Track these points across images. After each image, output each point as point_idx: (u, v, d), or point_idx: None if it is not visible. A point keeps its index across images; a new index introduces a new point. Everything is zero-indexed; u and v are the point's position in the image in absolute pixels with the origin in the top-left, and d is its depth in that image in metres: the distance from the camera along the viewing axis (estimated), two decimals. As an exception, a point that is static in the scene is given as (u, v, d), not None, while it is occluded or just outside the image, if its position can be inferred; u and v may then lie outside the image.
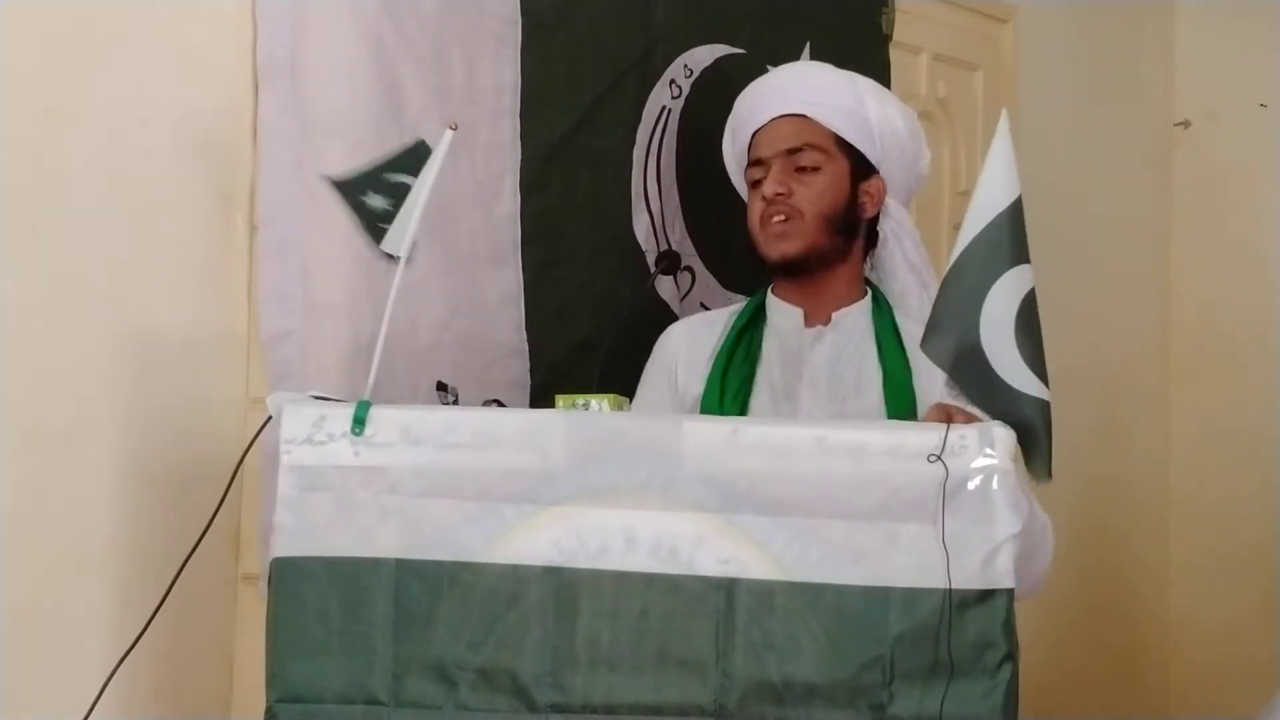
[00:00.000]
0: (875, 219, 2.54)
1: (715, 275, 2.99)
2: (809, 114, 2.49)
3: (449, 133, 2.10)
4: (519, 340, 2.72)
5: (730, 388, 2.39)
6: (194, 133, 2.48)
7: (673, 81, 2.97)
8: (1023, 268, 1.96)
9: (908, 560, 1.91)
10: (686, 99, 2.99)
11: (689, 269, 2.92)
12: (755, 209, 2.49)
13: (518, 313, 2.73)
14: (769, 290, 2.54)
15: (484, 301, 2.67)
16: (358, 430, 1.97)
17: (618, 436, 1.96)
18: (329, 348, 2.44)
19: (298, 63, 2.49)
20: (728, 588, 1.92)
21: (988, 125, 3.83)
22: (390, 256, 2.26)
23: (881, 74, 3.50)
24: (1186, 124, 4.60)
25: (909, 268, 2.56)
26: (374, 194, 2.44)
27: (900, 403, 2.38)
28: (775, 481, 1.93)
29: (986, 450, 1.92)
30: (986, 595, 1.90)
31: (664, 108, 2.96)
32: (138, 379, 2.40)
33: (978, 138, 3.84)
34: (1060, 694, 3.89)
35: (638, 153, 2.92)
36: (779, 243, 2.45)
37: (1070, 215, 4.12)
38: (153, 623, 2.07)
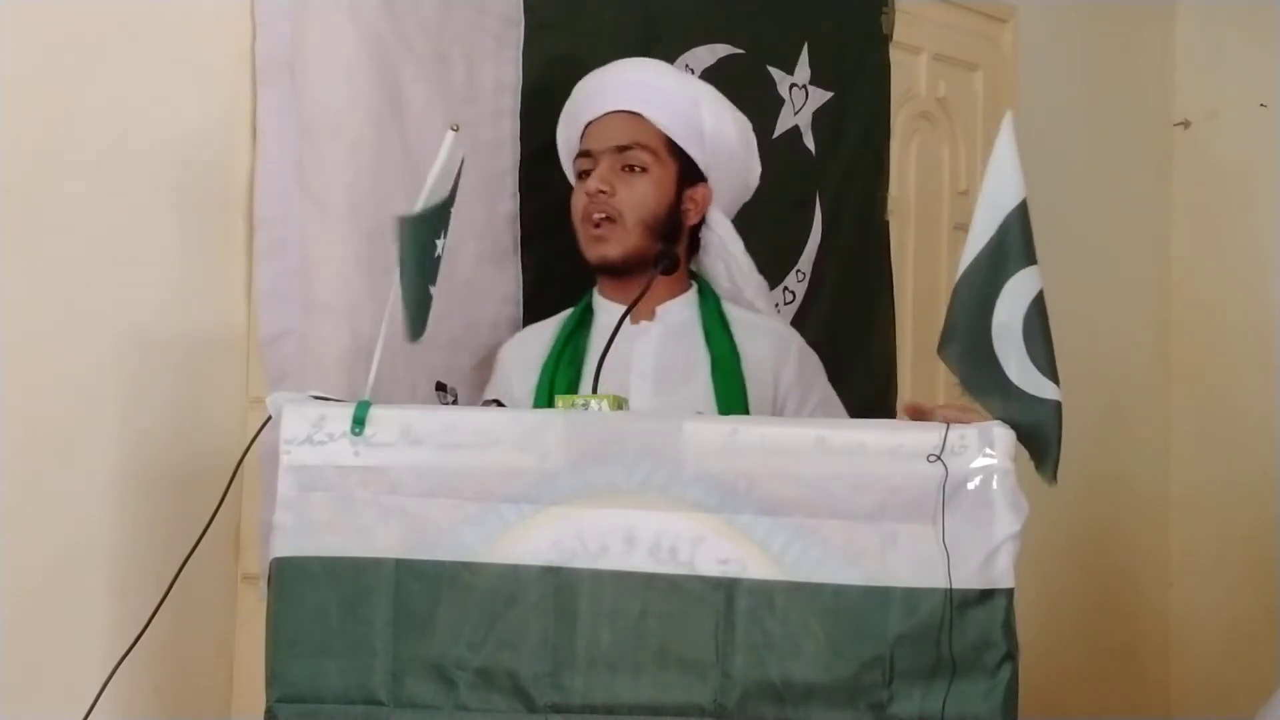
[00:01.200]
0: (699, 225, 2.54)
1: (713, 275, 2.99)
2: (643, 112, 2.48)
3: (450, 134, 2.10)
4: (518, 340, 2.72)
5: (559, 391, 2.37)
6: (193, 133, 2.48)
7: (673, 81, 2.97)
8: (1031, 269, 1.95)
9: (908, 560, 1.91)
10: (687, 99, 2.98)
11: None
12: (579, 202, 2.49)
13: (517, 312, 2.73)
14: (594, 290, 2.54)
15: (484, 301, 2.67)
16: (358, 430, 1.97)
17: (617, 436, 1.96)
18: (328, 348, 2.44)
19: (297, 63, 2.49)
20: (727, 588, 1.92)
21: (987, 125, 3.85)
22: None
23: (881, 74, 3.51)
24: (1186, 124, 4.60)
25: (730, 281, 2.56)
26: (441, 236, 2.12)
27: (730, 388, 2.40)
28: (775, 481, 1.93)
29: (986, 450, 1.92)
30: (986, 595, 1.90)
31: (664, 108, 2.95)
32: (137, 379, 2.40)
33: (977, 138, 3.84)
34: (1061, 694, 3.90)
35: (638, 153, 2.92)
36: (599, 245, 2.46)
37: (1070, 215, 4.12)
38: (153, 623, 2.07)
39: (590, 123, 2.52)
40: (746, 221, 2.66)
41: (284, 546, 1.96)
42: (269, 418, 2.01)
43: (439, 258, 2.08)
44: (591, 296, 2.54)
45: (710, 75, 3.01)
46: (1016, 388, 1.93)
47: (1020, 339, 1.93)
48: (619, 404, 2.06)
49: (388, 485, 1.96)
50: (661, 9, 2.97)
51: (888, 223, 3.53)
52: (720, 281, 2.57)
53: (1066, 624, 4.06)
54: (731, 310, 2.51)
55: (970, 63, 3.90)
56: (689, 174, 2.50)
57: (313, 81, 2.48)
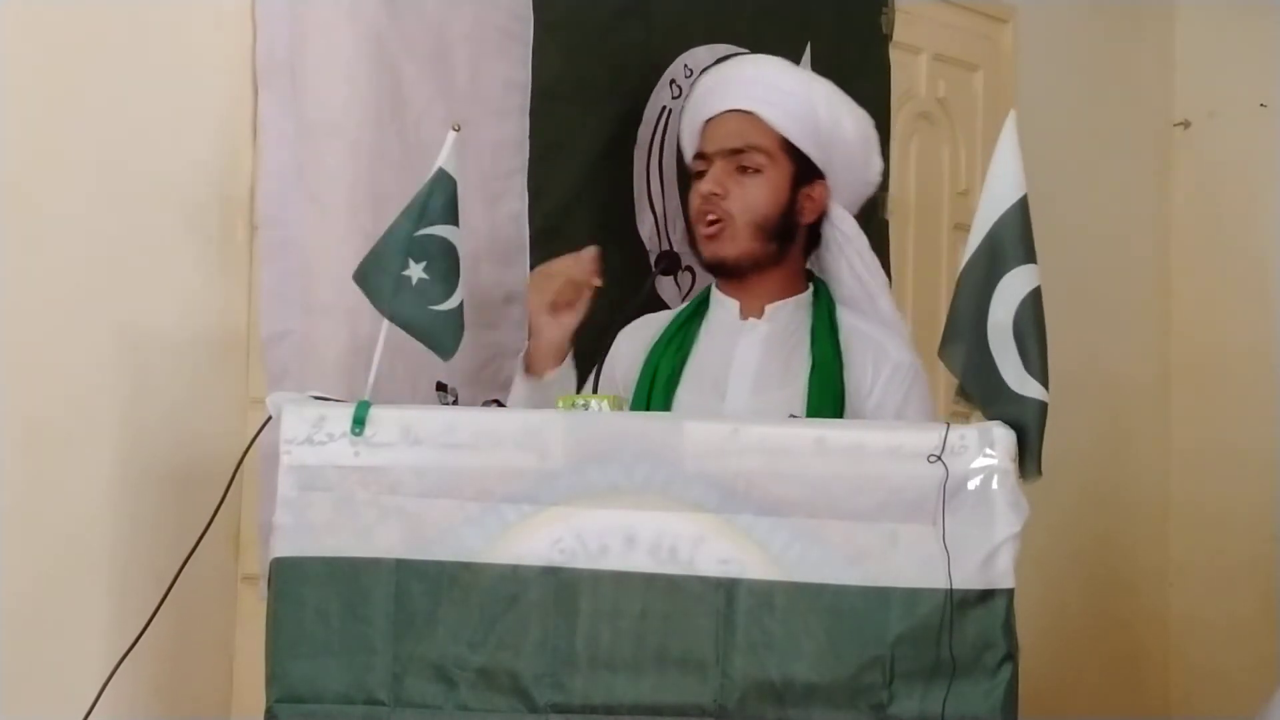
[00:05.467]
0: (817, 223, 2.54)
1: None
2: (758, 112, 2.48)
3: (452, 134, 2.10)
4: (519, 340, 2.72)
5: (660, 379, 2.40)
6: (194, 133, 2.48)
7: (673, 81, 2.97)
8: (1027, 267, 1.95)
9: (908, 560, 1.91)
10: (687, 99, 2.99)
11: (689, 269, 2.92)
12: (694, 203, 2.50)
13: (521, 312, 2.73)
14: (713, 285, 2.55)
15: (488, 300, 2.67)
16: (358, 430, 1.97)
17: (618, 436, 1.96)
18: (328, 348, 2.44)
19: (297, 63, 2.49)
20: (728, 588, 1.92)
21: (987, 125, 3.85)
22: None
23: (881, 74, 3.50)
24: (1186, 124, 4.59)
25: (854, 276, 2.54)
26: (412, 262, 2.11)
27: (825, 393, 2.38)
28: (775, 481, 1.93)
29: (986, 450, 1.92)
30: (986, 595, 1.90)
31: (664, 108, 2.96)
32: (138, 379, 2.40)
33: (977, 138, 3.84)
34: (1061, 695, 3.89)
35: (639, 153, 2.92)
36: (711, 245, 2.46)
37: (1070, 215, 4.12)
38: (153, 623, 2.07)
39: (708, 121, 2.53)
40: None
41: (284, 546, 1.97)
42: (269, 418, 2.01)
43: (433, 237, 2.09)
44: (710, 290, 2.54)
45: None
46: (1005, 385, 1.93)
47: (1011, 337, 1.93)
48: (619, 404, 2.06)
49: (388, 485, 1.96)
50: (663, 8, 2.96)
51: (887, 222, 3.52)
52: (843, 278, 2.54)
53: (1068, 627, 4.05)
54: (846, 316, 2.48)
55: (970, 63, 3.90)
56: (805, 172, 2.49)
57: (313, 82, 2.48)
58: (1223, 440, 4.47)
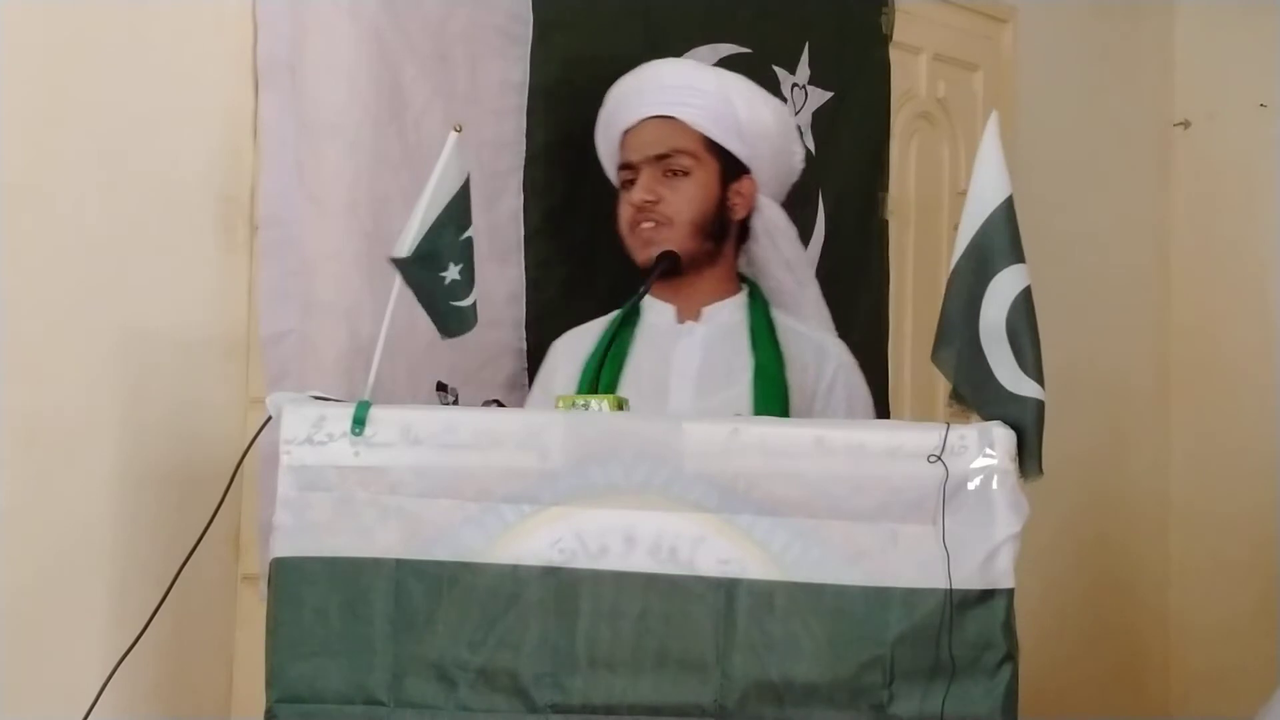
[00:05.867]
0: (747, 217, 2.54)
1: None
2: (678, 115, 2.48)
3: (453, 135, 2.10)
4: (518, 340, 2.72)
5: (600, 389, 2.37)
6: (194, 133, 2.48)
7: (673, 81, 2.97)
8: (1016, 267, 1.95)
9: (908, 560, 1.91)
10: (687, 99, 2.98)
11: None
12: (624, 214, 2.50)
13: (519, 312, 2.73)
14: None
15: (487, 300, 2.67)
16: (358, 430, 1.97)
17: (618, 436, 1.96)
18: (328, 348, 2.44)
19: (298, 63, 2.49)
20: (728, 588, 1.92)
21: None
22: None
23: (881, 74, 3.50)
24: (1186, 124, 4.60)
25: (783, 265, 2.56)
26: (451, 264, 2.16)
27: (770, 394, 2.40)
28: (775, 481, 1.93)
29: (986, 450, 1.92)
30: (986, 595, 1.90)
31: (665, 107, 2.95)
32: (138, 379, 2.40)
33: (977, 138, 3.82)
34: (1061, 695, 3.89)
35: (638, 153, 2.92)
36: (648, 247, 2.46)
37: (1070, 215, 4.12)
38: (153, 623, 2.07)
39: (627, 130, 2.53)
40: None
41: (284, 546, 1.96)
42: (269, 418, 2.01)
43: (468, 239, 2.14)
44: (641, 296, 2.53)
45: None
46: (1000, 386, 1.93)
47: (1004, 337, 1.93)
48: (619, 404, 2.06)
49: (388, 485, 1.96)
50: (663, 8, 2.97)
51: (887, 222, 3.53)
52: (772, 270, 2.56)
53: (1068, 627, 4.06)
54: (780, 317, 2.51)
55: (970, 63, 3.90)
56: (732, 168, 2.50)
57: (313, 81, 2.48)
58: (1223, 440, 4.47)
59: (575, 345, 2.52)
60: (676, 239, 2.45)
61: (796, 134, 2.62)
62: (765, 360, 2.44)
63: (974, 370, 1.95)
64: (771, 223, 2.56)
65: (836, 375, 2.49)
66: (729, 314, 2.50)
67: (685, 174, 2.47)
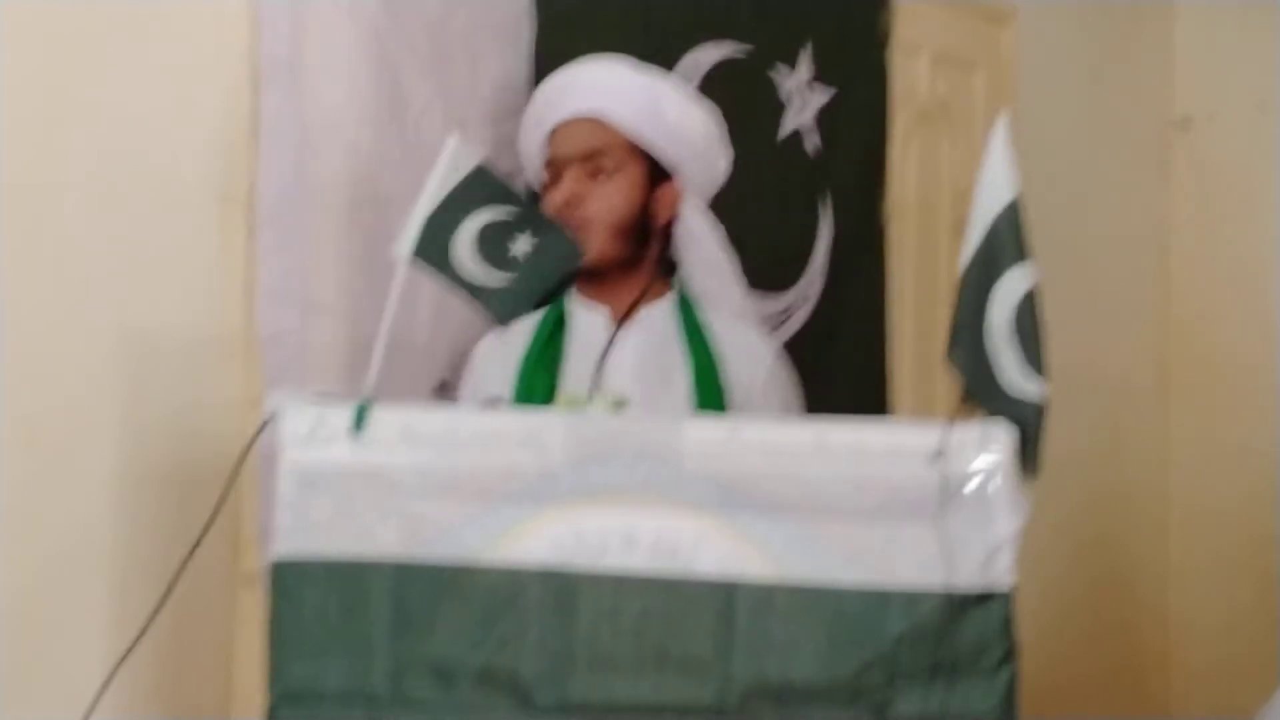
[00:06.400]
0: (670, 221, 2.52)
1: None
2: (606, 115, 2.46)
3: (451, 141, 2.10)
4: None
5: (538, 398, 2.36)
6: (194, 133, 2.48)
7: (673, 81, 2.97)
8: (1024, 268, 1.95)
9: (907, 561, 1.91)
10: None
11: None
12: (548, 211, 2.46)
13: (519, 312, 2.73)
14: (570, 295, 2.50)
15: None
16: (358, 430, 1.97)
17: (617, 436, 1.96)
18: (327, 347, 2.44)
19: (299, 63, 2.49)
20: (728, 588, 1.92)
21: (988, 125, 3.81)
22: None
23: (881, 74, 3.51)
24: (1187, 124, 4.59)
25: (707, 270, 2.54)
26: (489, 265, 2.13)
27: (710, 392, 2.40)
28: (775, 481, 1.93)
29: (986, 450, 1.92)
30: (986, 595, 1.90)
31: (664, 108, 2.95)
32: (137, 379, 2.40)
33: (977, 138, 3.83)
34: (1061, 695, 3.89)
35: (638, 153, 2.92)
36: None
37: (1069, 216, 4.12)
38: (153, 623, 2.07)
39: (554, 129, 2.50)
40: (748, 223, 2.66)
41: (284, 547, 1.96)
42: (269, 418, 2.01)
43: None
44: (564, 301, 2.50)
45: (713, 75, 3.02)
46: (1007, 387, 1.93)
47: (1009, 337, 1.93)
48: (619, 404, 2.06)
49: (388, 485, 1.96)
50: (664, 8, 2.97)
51: (887, 222, 3.53)
52: (695, 273, 2.55)
53: (1068, 627, 4.06)
54: (709, 317, 2.50)
55: (970, 63, 3.90)
56: (657, 172, 2.49)
57: (314, 81, 2.48)
58: (1223, 439, 4.47)
59: (502, 349, 2.48)
60: (597, 243, 2.42)
61: (722, 141, 2.58)
62: (702, 361, 2.43)
63: (981, 369, 1.95)
64: (692, 230, 2.53)
65: (770, 377, 2.50)
66: (660, 316, 2.49)
67: (610, 175, 2.45)
